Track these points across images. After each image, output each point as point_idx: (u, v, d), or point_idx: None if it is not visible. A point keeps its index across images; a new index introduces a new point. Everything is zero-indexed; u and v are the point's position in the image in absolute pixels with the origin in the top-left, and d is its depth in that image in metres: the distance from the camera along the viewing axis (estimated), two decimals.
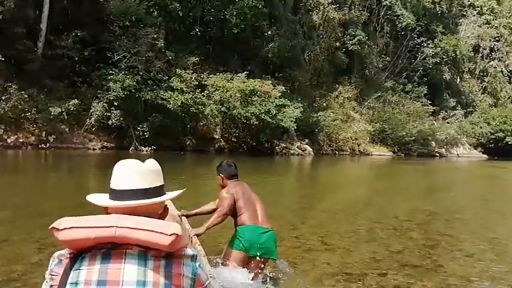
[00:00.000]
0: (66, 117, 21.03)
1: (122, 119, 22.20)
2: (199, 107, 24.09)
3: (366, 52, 35.66)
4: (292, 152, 27.32)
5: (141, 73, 23.00)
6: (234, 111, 24.60)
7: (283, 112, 25.71)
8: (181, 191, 1.60)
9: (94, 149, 22.20)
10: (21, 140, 20.41)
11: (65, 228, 1.36)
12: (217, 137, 26.46)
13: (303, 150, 27.65)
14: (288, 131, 26.69)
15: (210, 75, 25.12)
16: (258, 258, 3.87)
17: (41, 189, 9.46)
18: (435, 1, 40.53)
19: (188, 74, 23.99)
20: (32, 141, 20.63)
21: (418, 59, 40.06)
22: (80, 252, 1.39)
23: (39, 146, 20.43)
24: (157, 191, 1.50)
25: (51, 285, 1.40)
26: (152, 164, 1.53)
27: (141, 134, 22.81)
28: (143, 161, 1.52)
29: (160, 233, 1.34)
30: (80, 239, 1.36)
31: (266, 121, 24.93)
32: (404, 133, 33.43)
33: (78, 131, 22.23)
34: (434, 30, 41.46)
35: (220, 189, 4.19)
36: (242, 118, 24.82)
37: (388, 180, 17.13)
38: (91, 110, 21.82)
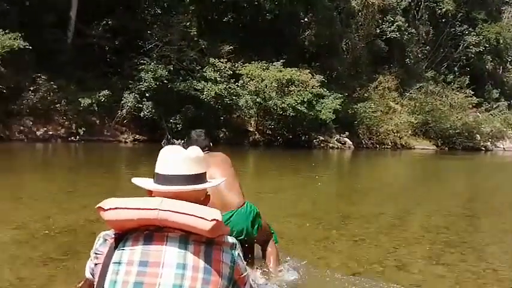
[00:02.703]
0: (96, 108, 19.50)
1: (153, 110, 20.57)
2: (234, 97, 22.24)
3: (405, 40, 32.93)
4: (331, 145, 25.11)
5: (173, 63, 21.31)
6: (270, 102, 22.63)
7: (322, 103, 23.58)
8: (222, 179, 1.67)
9: (125, 142, 20.67)
10: (50, 133, 18.99)
11: (110, 209, 1.37)
12: (251, 129, 24.53)
13: (342, 144, 25.40)
14: (326, 123, 24.51)
15: (245, 64, 23.15)
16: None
17: (63, 193, 7.69)
18: None
19: (222, 63, 22.11)
20: (62, 134, 19.20)
21: (460, 47, 37.01)
22: (124, 233, 1.39)
23: (69, 138, 19.00)
24: (200, 178, 1.50)
25: (96, 264, 1.41)
26: (196, 151, 1.54)
27: (173, 126, 21.17)
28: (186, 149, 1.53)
29: (201, 217, 1.33)
30: (123, 220, 1.36)
31: (303, 112, 22.85)
32: (448, 125, 30.69)
33: (109, 123, 20.71)
34: (475, 18, 38.28)
35: None
36: (278, 109, 22.82)
37: (466, 181, 14.57)
38: (122, 101, 20.27)
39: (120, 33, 20.97)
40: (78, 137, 19.12)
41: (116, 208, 1.35)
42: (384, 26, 31.34)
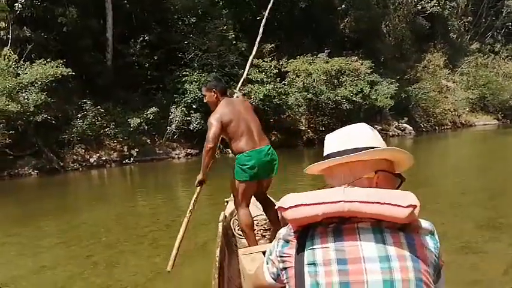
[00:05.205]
0: (146, 127, 18.32)
1: (202, 121, 19.20)
2: (283, 97, 20.68)
3: (447, 14, 30.57)
4: (391, 133, 23.12)
5: (215, 70, 19.94)
6: (322, 96, 20.92)
7: (376, 90, 21.70)
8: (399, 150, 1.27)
9: (179, 158, 19.38)
10: (104, 158, 17.86)
11: (290, 207, 1.21)
12: (303, 128, 22.84)
13: (402, 130, 23.37)
14: (381, 111, 22.61)
15: (290, 61, 21.57)
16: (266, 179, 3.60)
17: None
18: None
19: (266, 62, 20.61)
20: (115, 158, 18.06)
21: (502, 14, 34.29)
22: (305, 230, 1.21)
23: (123, 161, 17.87)
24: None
25: (284, 267, 1.24)
26: (366, 126, 1.31)
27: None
28: None
29: (395, 205, 1.12)
30: (307, 217, 1.19)
31: (358, 103, 21.05)
32: (507, 97, 28.19)
33: (160, 140, 19.50)
34: None
35: (211, 106, 3.65)
36: (331, 103, 21.10)
37: None
38: (170, 117, 19.03)
39: (158, 48, 19.84)
40: (132, 159, 17.99)
41: (296, 206, 1.18)
42: (423, 1, 29.16)
